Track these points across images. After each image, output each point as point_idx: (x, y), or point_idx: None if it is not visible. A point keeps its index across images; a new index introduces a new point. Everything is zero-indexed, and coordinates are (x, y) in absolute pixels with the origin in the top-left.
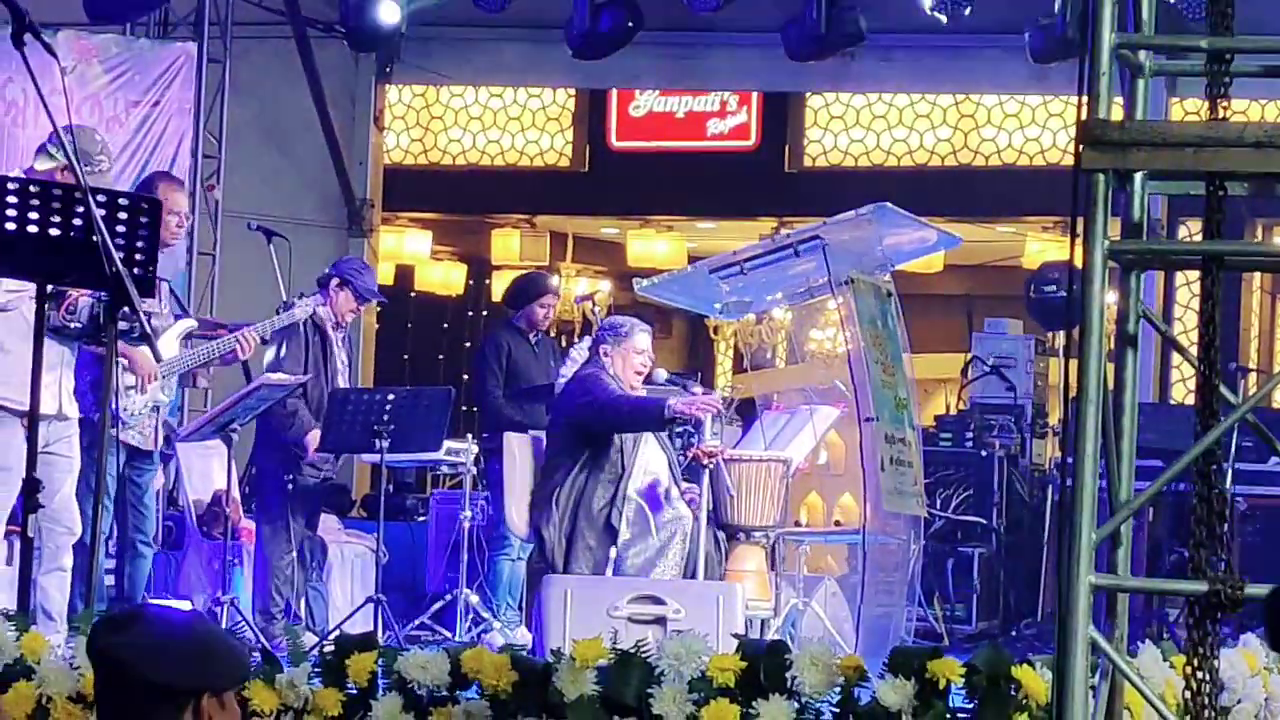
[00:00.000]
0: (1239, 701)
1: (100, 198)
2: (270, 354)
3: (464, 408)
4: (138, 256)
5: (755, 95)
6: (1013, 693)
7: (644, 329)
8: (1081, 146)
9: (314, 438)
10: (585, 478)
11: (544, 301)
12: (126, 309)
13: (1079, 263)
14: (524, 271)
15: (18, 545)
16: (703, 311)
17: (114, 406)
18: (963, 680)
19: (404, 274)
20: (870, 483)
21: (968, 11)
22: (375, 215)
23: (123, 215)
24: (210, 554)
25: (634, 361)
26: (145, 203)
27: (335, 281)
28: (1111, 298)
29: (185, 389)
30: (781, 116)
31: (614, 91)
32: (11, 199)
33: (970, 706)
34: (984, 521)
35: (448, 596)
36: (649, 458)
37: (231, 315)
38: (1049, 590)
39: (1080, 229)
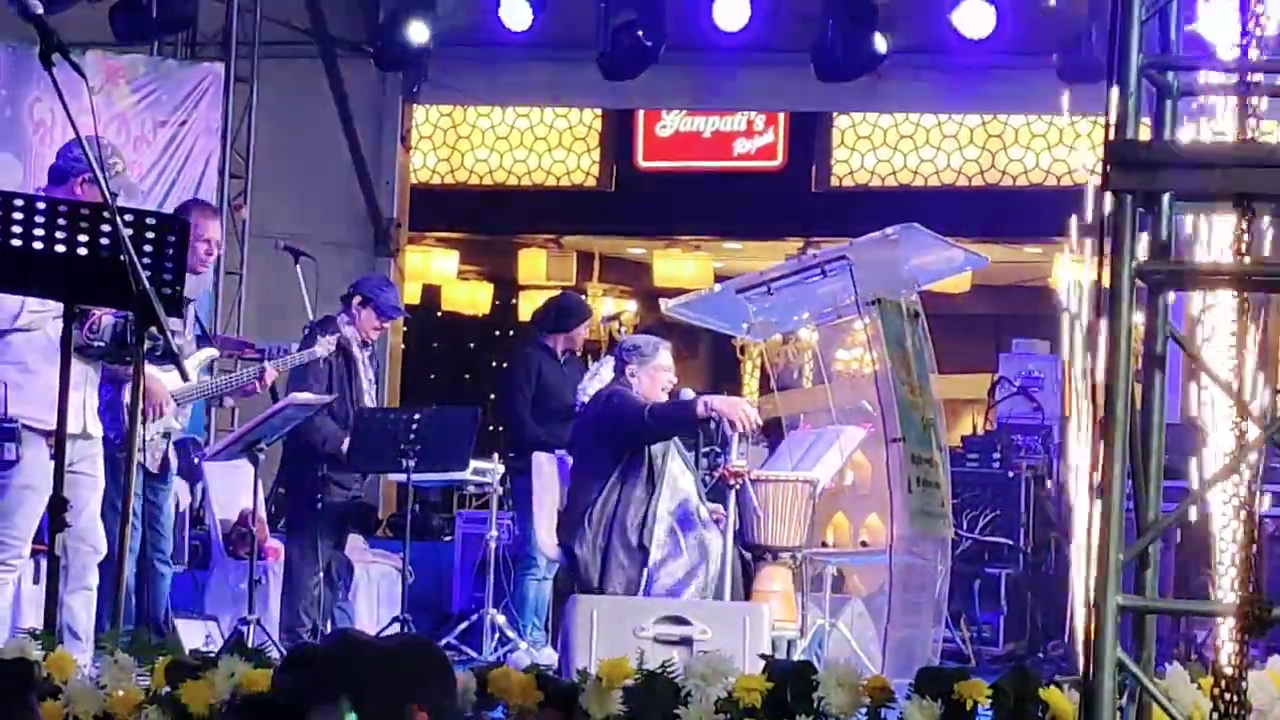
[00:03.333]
0: None
1: (128, 217)
2: (289, 373)
3: (490, 427)
4: (165, 276)
5: (782, 115)
6: (1040, 714)
7: (666, 346)
8: (1109, 167)
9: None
10: (618, 496)
11: (589, 324)
12: (154, 329)
13: (1106, 284)
14: (556, 292)
15: (44, 564)
16: (730, 331)
17: (123, 431)
18: (990, 702)
19: (430, 294)
20: (897, 503)
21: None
22: (402, 235)
23: (150, 235)
24: (236, 573)
25: (661, 379)
26: (173, 222)
27: (358, 300)
28: (1139, 318)
29: (213, 409)
30: (809, 136)
31: (641, 111)
32: (39, 218)
33: None
34: (1011, 542)
35: (474, 616)
36: (677, 477)
37: (258, 335)
38: (1076, 611)
39: (1108, 250)
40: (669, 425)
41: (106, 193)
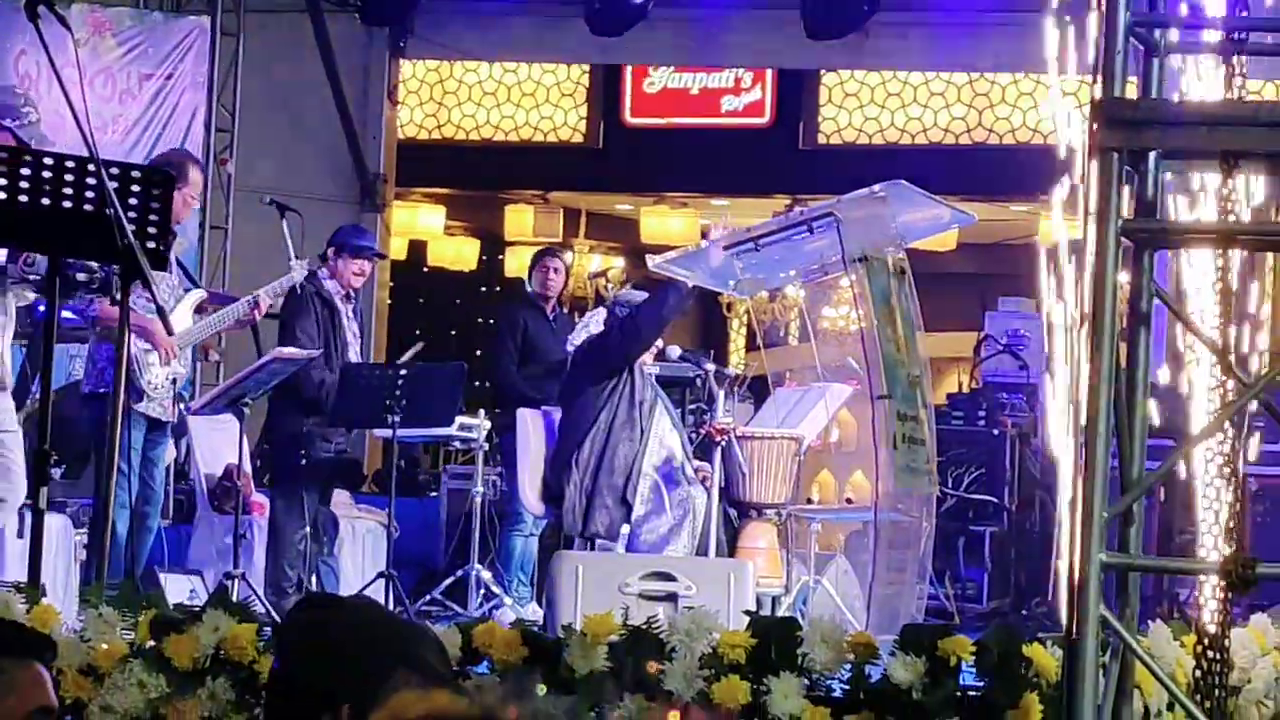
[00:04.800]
0: (1249, 681)
1: (113, 170)
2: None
3: (477, 383)
4: (150, 230)
5: (770, 72)
6: (1024, 671)
7: None
8: (1096, 125)
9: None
10: (605, 439)
11: (544, 264)
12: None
13: (1091, 242)
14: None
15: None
16: (716, 288)
17: (138, 380)
18: (974, 658)
19: (417, 249)
20: (882, 460)
21: None
22: (389, 190)
23: (135, 188)
24: (221, 528)
25: None
26: (158, 175)
27: (333, 251)
28: (1124, 276)
29: (198, 363)
30: (796, 93)
31: (629, 68)
32: (24, 170)
33: (981, 685)
34: (996, 500)
35: (459, 572)
36: (663, 434)
37: (244, 289)
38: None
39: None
40: (656, 317)
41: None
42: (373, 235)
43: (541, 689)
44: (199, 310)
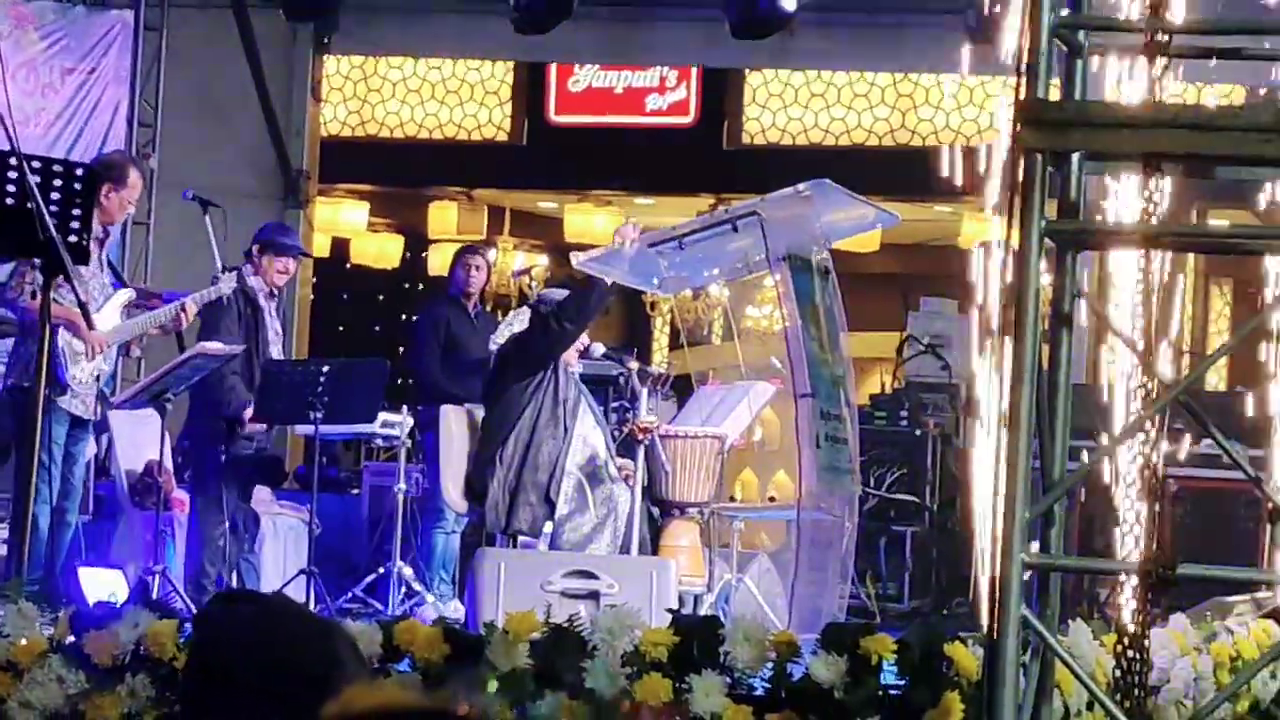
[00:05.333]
0: (1168, 681)
1: (35, 164)
2: (198, 325)
3: (399, 380)
4: (72, 224)
5: (695, 71)
6: (945, 670)
7: None
8: (1019, 126)
9: (251, 412)
10: (530, 436)
11: (467, 261)
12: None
13: (1014, 243)
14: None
15: None
16: (640, 287)
17: (62, 375)
18: (895, 657)
19: (340, 246)
20: (805, 459)
21: None
22: (312, 187)
23: (57, 183)
24: (142, 524)
25: None
26: (81, 170)
27: (257, 248)
28: (1047, 278)
29: (120, 358)
30: (721, 93)
31: (553, 66)
32: None
33: (902, 683)
34: (918, 500)
35: (380, 569)
36: (586, 433)
37: (166, 285)
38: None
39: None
40: (581, 311)
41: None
42: (297, 234)
43: (491, 685)
44: (125, 310)
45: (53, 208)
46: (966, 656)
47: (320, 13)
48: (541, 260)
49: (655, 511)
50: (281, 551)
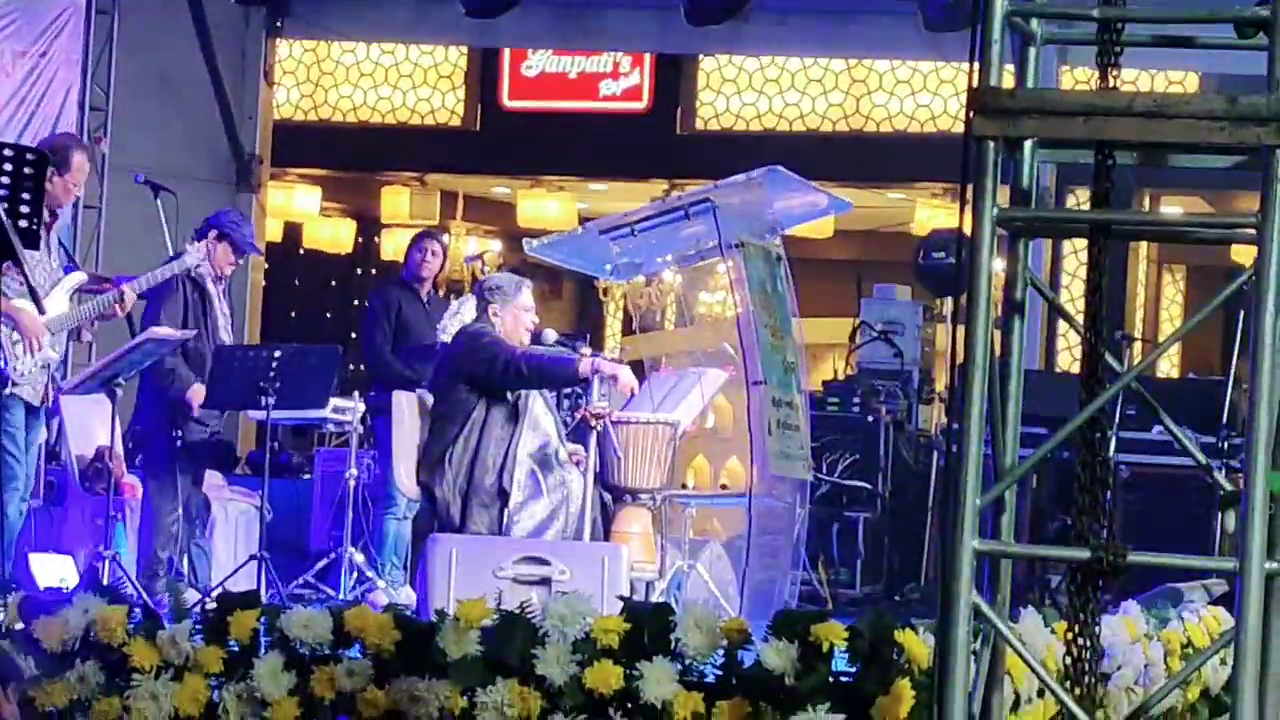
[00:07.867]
0: (1119, 668)
1: None
2: (143, 309)
3: (351, 366)
4: (22, 208)
5: (648, 57)
6: (895, 657)
7: (528, 285)
8: (972, 113)
9: (197, 393)
10: (479, 436)
11: (421, 246)
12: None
13: (967, 230)
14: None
15: None
16: (592, 273)
17: (3, 365)
18: (846, 644)
19: (292, 231)
20: (757, 446)
21: None
22: (264, 171)
23: (7, 166)
24: (93, 509)
25: (524, 319)
26: (31, 154)
27: (213, 234)
28: (999, 265)
29: (70, 343)
30: (674, 79)
31: (507, 50)
32: None
33: (853, 670)
34: (869, 487)
35: (332, 555)
36: (538, 419)
37: (117, 269)
38: (933, 555)
39: (969, 196)
40: (544, 379)
41: None
42: (254, 227)
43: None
44: (80, 293)
45: (2, 192)
46: (917, 644)
47: None
48: (494, 245)
49: (607, 498)
50: (233, 537)
